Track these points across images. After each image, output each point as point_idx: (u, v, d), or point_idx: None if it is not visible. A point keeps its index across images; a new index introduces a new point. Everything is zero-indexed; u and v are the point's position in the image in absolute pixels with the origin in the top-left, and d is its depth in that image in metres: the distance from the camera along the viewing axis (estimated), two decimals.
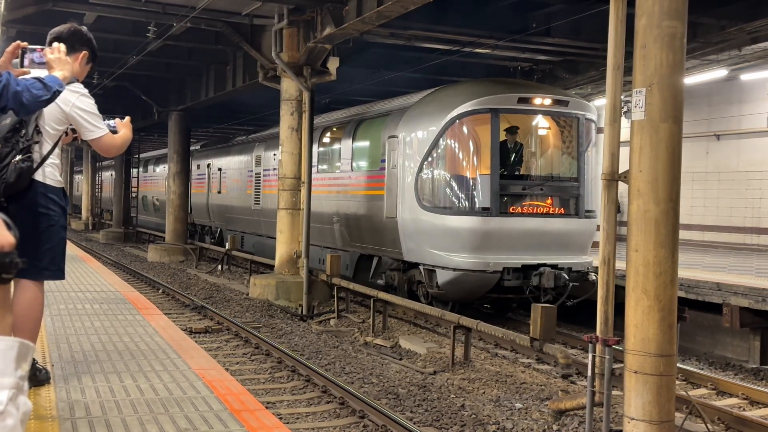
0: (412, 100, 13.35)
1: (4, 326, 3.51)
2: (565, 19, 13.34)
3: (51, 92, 3.37)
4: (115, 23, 15.64)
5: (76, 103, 3.85)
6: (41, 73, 3.55)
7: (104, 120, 4.01)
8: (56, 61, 3.60)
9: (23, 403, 1.52)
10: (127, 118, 4.15)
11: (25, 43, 3.65)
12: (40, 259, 3.85)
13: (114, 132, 4.01)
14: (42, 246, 3.84)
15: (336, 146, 15.78)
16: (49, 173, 3.86)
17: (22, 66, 3.60)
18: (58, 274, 4.00)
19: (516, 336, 8.86)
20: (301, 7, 12.97)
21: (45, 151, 3.82)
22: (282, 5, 13.18)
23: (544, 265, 11.38)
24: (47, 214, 3.84)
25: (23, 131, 3.72)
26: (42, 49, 3.66)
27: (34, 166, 3.75)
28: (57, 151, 3.92)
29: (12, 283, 3.59)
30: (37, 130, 3.79)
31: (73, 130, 4.00)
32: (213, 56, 18.79)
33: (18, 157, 3.67)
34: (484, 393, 8.10)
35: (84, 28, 4.09)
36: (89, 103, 3.90)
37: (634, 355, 5.38)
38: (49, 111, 3.77)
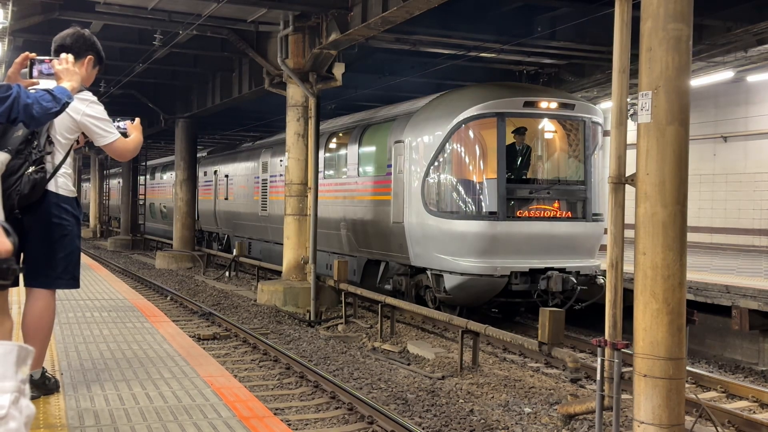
0: (418, 104, 13.36)
1: (3, 331, 3.53)
2: (570, 23, 13.34)
3: (60, 104, 3.39)
4: (122, 31, 15.72)
5: (87, 111, 3.87)
6: (50, 84, 3.57)
7: (114, 122, 4.02)
8: (64, 71, 3.62)
9: (26, 406, 1.52)
10: (137, 120, 4.17)
11: (34, 54, 3.67)
12: (54, 268, 3.87)
13: (125, 135, 4.03)
14: (56, 255, 3.86)
15: (342, 152, 15.79)
16: (62, 183, 3.87)
17: (30, 77, 3.62)
18: (72, 283, 4.01)
19: (524, 340, 8.85)
20: (306, 13, 13.00)
21: (57, 162, 3.84)
22: (287, 12, 13.22)
23: (552, 268, 11.36)
24: (60, 224, 3.86)
25: (35, 142, 3.74)
26: (50, 60, 3.68)
27: (47, 176, 3.77)
28: (69, 160, 3.94)
29: (14, 289, 3.61)
30: (49, 141, 3.81)
31: (84, 135, 4.02)
32: (219, 63, 18.85)
33: (31, 169, 3.69)
34: (492, 398, 8.09)
35: (87, 32, 4.10)
36: (99, 110, 3.92)
37: (643, 359, 5.36)
38: (59, 121, 3.79)
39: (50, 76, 3.65)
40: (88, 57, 4.02)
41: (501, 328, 9.78)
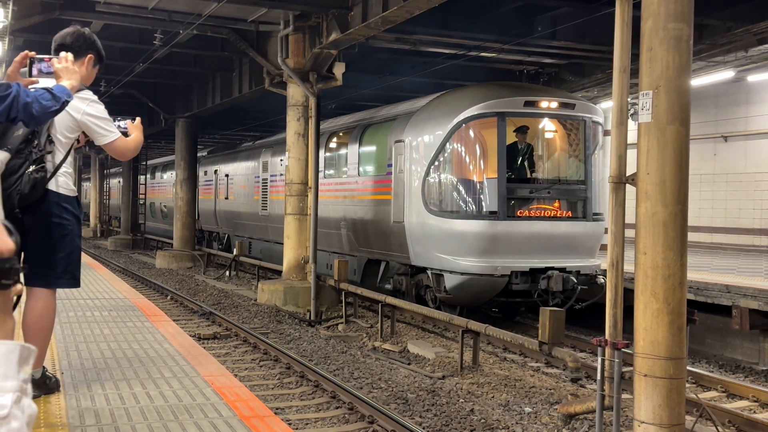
0: (419, 104, 13.36)
1: (5, 331, 3.52)
2: (571, 22, 13.33)
3: (60, 103, 3.39)
4: (122, 31, 15.72)
5: (87, 110, 3.87)
6: (49, 82, 3.57)
7: (115, 121, 4.02)
8: (64, 70, 3.62)
9: (28, 405, 1.52)
10: (138, 120, 4.16)
11: (33, 53, 3.67)
12: (54, 267, 3.86)
13: (125, 134, 4.03)
14: (56, 255, 3.86)
15: (343, 151, 15.79)
16: (63, 182, 3.87)
17: (30, 76, 3.62)
18: (73, 282, 4.01)
19: (524, 340, 8.85)
20: (306, 13, 13.00)
21: (58, 161, 3.84)
22: (287, 11, 13.22)
23: (552, 268, 11.36)
24: (61, 223, 3.86)
25: (36, 142, 3.74)
26: (50, 59, 3.68)
27: (48, 176, 3.77)
28: (69, 159, 3.94)
29: (17, 289, 3.61)
30: (50, 140, 3.81)
31: (85, 135, 4.02)
32: (219, 63, 18.85)
33: (31, 168, 3.69)
34: (493, 397, 8.08)
35: (87, 31, 4.10)
36: (100, 109, 3.92)
37: (643, 359, 5.36)
38: (60, 120, 3.78)
39: (50, 74, 3.64)
40: (89, 56, 4.02)
41: (501, 327, 9.77)
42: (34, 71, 3.64)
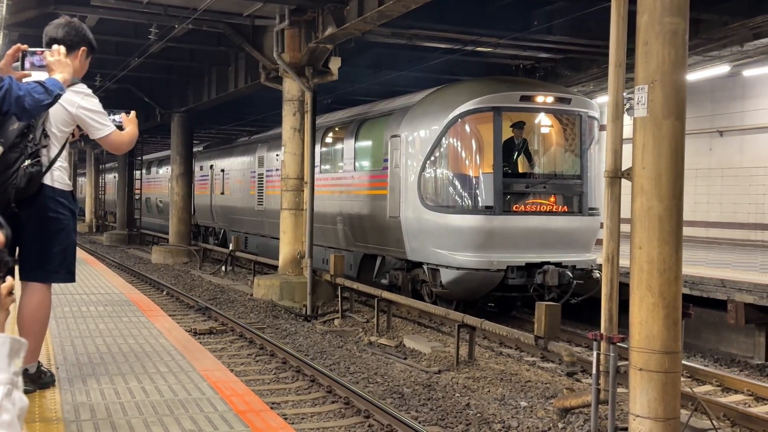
0: (414, 99, 13.35)
1: None
2: (567, 17, 13.33)
3: (52, 96, 3.38)
4: (117, 25, 15.68)
5: (82, 104, 3.86)
6: (42, 75, 3.55)
7: (109, 115, 4.01)
8: (56, 63, 3.61)
9: (19, 398, 1.52)
10: (133, 113, 4.16)
11: (25, 46, 3.66)
12: (49, 262, 3.86)
13: (120, 128, 4.02)
14: (52, 249, 3.85)
15: (338, 146, 15.78)
16: (58, 177, 3.87)
17: (22, 69, 3.61)
18: (68, 277, 4.01)
19: (520, 334, 8.86)
20: (302, 7, 12.97)
21: (53, 155, 3.84)
22: (283, 6, 13.19)
23: (548, 263, 11.36)
24: (57, 218, 3.86)
25: (31, 136, 3.73)
26: (42, 52, 3.67)
27: (43, 170, 3.77)
28: (64, 154, 3.93)
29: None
30: (45, 134, 3.80)
31: (79, 128, 4.01)
32: (215, 57, 18.81)
33: (27, 162, 3.68)
34: (488, 392, 8.10)
35: (76, 21, 4.08)
36: (94, 103, 3.91)
37: (639, 353, 5.37)
38: (55, 113, 3.78)
39: (42, 68, 3.63)
40: (81, 48, 4.01)
41: (497, 322, 9.78)
42: (27, 64, 3.63)
